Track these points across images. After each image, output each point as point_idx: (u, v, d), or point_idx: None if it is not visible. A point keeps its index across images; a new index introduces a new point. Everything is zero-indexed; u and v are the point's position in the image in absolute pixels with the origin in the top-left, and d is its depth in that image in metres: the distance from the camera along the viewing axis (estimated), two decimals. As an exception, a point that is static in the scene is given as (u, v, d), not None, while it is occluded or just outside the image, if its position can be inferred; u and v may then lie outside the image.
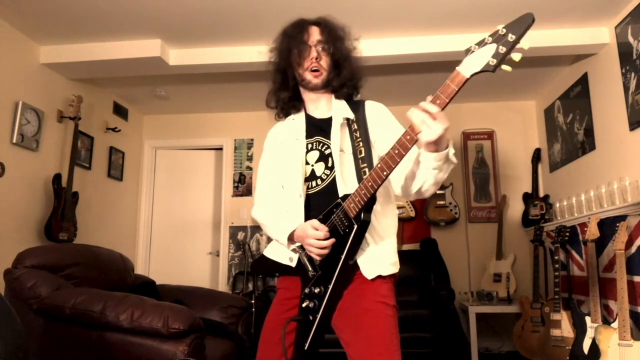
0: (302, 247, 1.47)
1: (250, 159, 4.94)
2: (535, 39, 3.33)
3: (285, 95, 1.65)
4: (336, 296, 1.42)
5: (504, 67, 1.09)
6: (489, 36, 1.09)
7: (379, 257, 1.46)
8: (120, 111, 4.64)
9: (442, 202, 4.55)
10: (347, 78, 1.60)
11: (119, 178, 4.58)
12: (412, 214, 4.58)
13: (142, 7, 3.02)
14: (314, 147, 1.57)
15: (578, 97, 3.77)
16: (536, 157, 4.54)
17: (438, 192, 4.57)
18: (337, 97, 1.63)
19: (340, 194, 1.43)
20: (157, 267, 4.86)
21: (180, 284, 3.15)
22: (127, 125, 4.75)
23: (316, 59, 1.55)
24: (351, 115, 1.57)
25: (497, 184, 4.68)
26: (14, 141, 3.24)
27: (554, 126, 4.25)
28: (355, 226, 1.34)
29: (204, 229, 5.01)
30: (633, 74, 2.97)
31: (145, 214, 4.95)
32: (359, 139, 1.52)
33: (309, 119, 1.63)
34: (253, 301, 3.79)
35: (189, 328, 2.01)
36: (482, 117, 4.80)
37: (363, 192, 1.31)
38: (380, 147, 1.55)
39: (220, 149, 5.06)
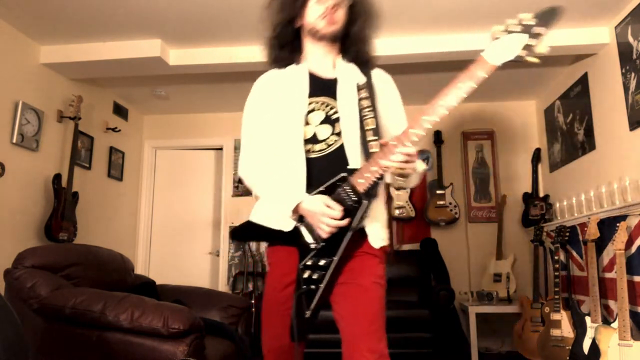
0: (301, 218, 1.41)
1: (250, 159, 4.94)
2: (535, 39, 3.33)
3: (288, 43, 1.52)
4: (339, 268, 1.41)
5: (530, 59, 1.07)
6: (517, 24, 1.05)
7: (381, 228, 1.47)
8: (120, 111, 4.64)
9: (442, 202, 4.54)
10: (364, 36, 1.50)
11: (119, 178, 4.58)
12: (412, 214, 4.57)
13: (142, 7, 3.02)
14: (318, 108, 1.47)
15: (578, 97, 3.77)
16: (536, 157, 4.54)
17: (438, 192, 4.57)
18: (344, 58, 1.53)
19: (349, 165, 1.40)
20: (157, 267, 4.86)
21: (180, 284, 3.15)
22: (127, 125, 4.75)
23: (333, 7, 1.43)
24: (362, 80, 1.47)
25: (497, 184, 4.67)
26: (14, 141, 3.24)
27: (554, 126, 4.25)
28: (365, 202, 1.34)
29: (204, 229, 5.00)
30: (633, 74, 2.96)
31: (145, 214, 4.95)
32: (367, 108, 1.45)
33: (313, 77, 1.51)
34: (253, 301, 3.79)
35: (189, 328, 2.01)
36: (482, 117, 4.80)
37: (374, 168, 1.31)
38: (386, 125, 1.50)
39: (220, 149, 5.06)
